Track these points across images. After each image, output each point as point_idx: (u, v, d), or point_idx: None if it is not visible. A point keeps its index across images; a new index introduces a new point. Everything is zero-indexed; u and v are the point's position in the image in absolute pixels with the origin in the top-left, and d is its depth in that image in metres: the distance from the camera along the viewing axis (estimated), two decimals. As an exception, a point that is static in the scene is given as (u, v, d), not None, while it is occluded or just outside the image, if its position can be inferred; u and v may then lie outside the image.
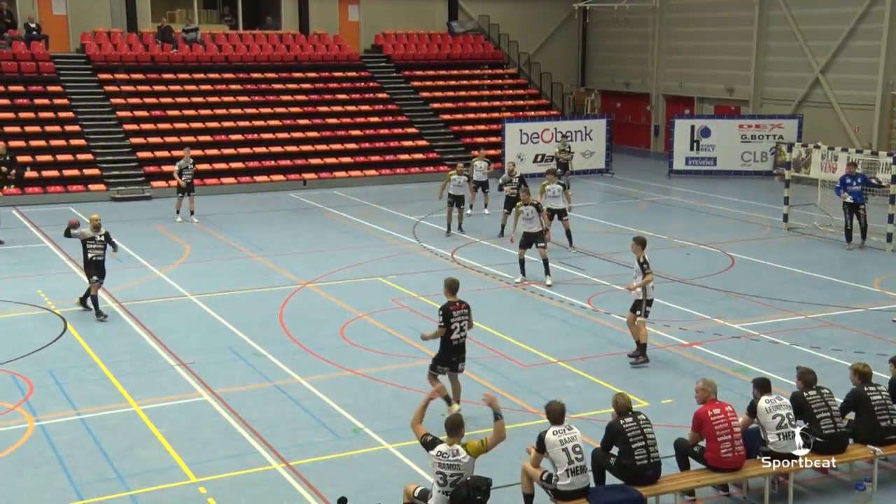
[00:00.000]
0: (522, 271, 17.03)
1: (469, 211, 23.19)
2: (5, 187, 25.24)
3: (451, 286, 10.87)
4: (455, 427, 8.08)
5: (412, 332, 14.30)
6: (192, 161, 23.21)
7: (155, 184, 26.92)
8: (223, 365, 12.92)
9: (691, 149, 30.43)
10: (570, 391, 11.79)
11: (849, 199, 19.77)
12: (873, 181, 20.69)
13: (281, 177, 28.42)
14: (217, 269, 18.31)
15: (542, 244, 16.74)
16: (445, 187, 21.47)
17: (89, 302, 15.01)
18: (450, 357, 10.85)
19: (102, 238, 14.93)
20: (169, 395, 11.84)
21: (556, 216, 19.29)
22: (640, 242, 12.90)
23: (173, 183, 23.28)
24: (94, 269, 14.81)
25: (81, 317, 15.05)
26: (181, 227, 22.37)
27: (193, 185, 23.01)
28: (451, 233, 21.16)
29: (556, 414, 8.53)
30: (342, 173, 29.18)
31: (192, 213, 22.93)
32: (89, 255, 14.81)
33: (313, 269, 18.23)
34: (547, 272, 16.80)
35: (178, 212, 22.91)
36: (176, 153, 28.07)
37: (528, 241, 16.80)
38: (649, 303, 12.68)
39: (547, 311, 15.53)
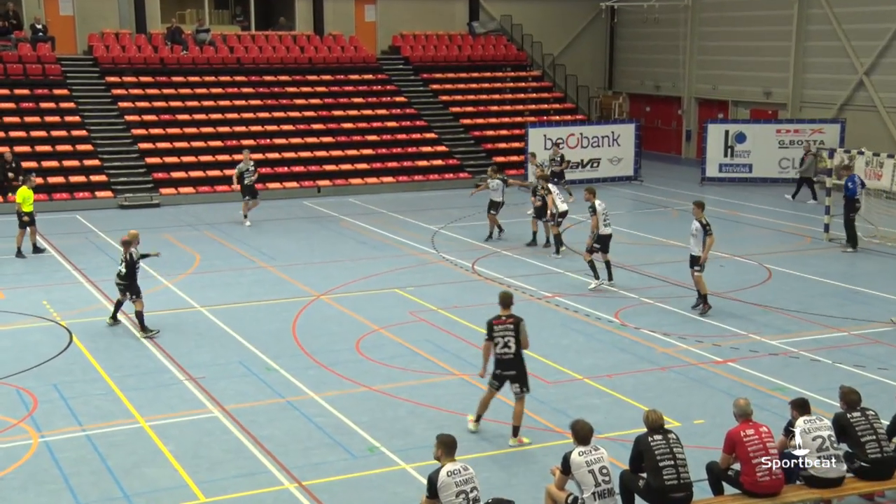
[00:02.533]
0: (595, 274, 17.57)
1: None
2: (10, 194, 25.55)
3: (502, 299, 11.03)
4: (453, 445, 8.09)
5: (431, 347, 14.32)
6: (252, 163, 23.69)
7: (164, 191, 27.14)
8: (233, 380, 12.98)
9: (725, 155, 30.31)
10: (596, 410, 11.76)
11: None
12: None
13: (294, 184, 28.56)
14: (228, 280, 18.42)
15: (587, 248, 17.52)
16: (481, 188, 22.49)
17: (129, 316, 15.28)
18: (494, 370, 10.89)
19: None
20: (177, 410, 11.91)
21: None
22: (700, 205, 15.60)
23: (236, 187, 24.02)
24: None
25: (87, 329, 15.18)
26: (191, 236, 22.53)
27: (255, 188, 23.58)
28: (491, 238, 21.68)
29: (582, 434, 8.52)
30: (358, 180, 29.29)
31: (244, 216, 23.52)
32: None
33: (328, 279, 18.30)
34: (596, 276, 17.48)
35: (245, 216, 23.56)
36: (186, 159, 28.36)
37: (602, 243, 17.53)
38: (704, 259, 15.48)
39: (572, 326, 15.50)
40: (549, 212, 20.09)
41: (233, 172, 24.07)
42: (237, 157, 28.57)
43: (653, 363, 13.69)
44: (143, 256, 15.29)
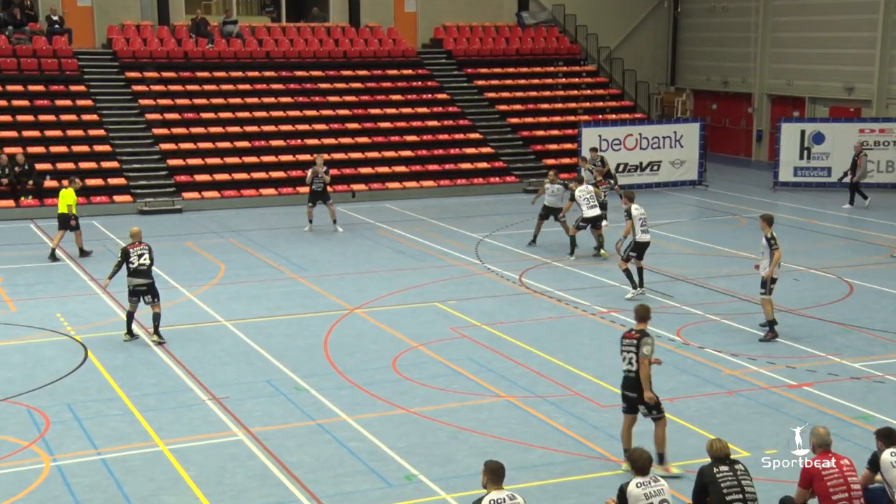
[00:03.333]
0: (632, 283, 17.73)
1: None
2: (23, 198, 26.03)
3: (639, 312, 11.09)
4: (500, 473, 8.06)
5: (474, 366, 14.30)
6: (324, 168, 24.13)
7: (186, 195, 27.46)
8: (260, 400, 13.07)
9: (801, 157, 29.96)
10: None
11: None
12: None
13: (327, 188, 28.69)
14: (255, 292, 18.57)
15: (622, 255, 17.87)
16: (540, 195, 22.39)
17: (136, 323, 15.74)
18: (621, 389, 11.01)
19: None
20: (199, 433, 12.01)
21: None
22: (767, 220, 15.27)
23: (304, 189, 24.69)
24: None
25: (104, 344, 15.39)
26: (215, 244, 22.76)
27: (327, 192, 24.00)
28: (534, 244, 21.91)
29: (640, 463, 8.44)
30: (396, 184, 29.40)
31: (334, 221, 23.97)
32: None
33: (362, 292, 18.38)
34: (633, 284, 17.69)
35: (310, 221, 23.99)
36: (210, 161, 28.67)
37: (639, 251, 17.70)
38: (773, 281, 15.11)
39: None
40: (562, 212, 21.14)
41: (305, 174, 24.56)
42: (267, 158, 28.88)
43: (719, 386, 13.53)
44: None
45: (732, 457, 8.74)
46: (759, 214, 15.69)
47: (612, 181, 24.82)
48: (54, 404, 12.89)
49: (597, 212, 20.65)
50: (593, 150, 27.77)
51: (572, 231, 20.85)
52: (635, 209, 17.61)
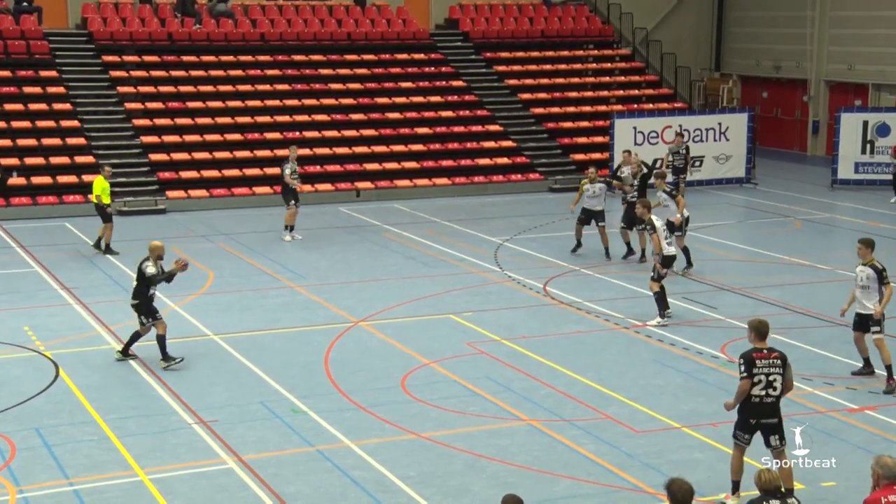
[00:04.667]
0: (663, 306, 17.24)
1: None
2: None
3: (759, 329, 10.94)
4: None
5: (493, 386, 14.30)
6: (296, 162, 24.23)
7: (171, 194, 27.57)
8: (253, 424, 13.09)
9: (863, 152, 29.85)
10: (698, 466, 11.63)
11: None
12: None
13: (329, 186, 28.82)
14: (248, 303, 18.62)
15: (652, 276, 17.02)
16: (579, 200, 21.76)
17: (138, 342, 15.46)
18: (747, 418, 10.80)
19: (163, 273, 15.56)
20: (184, 461, 12.03)
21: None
22: (869, 245, 14.23)
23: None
24: (153, 305, 15.34)
25: (77, 361, 15.45)
26: (204, 249, 22.83)
27: (297, 193, 23.94)
28: (578, 250, 21.70)
29: (680, 496, 8.40)
30: (405, 182, 29.44)
31: (290, 228, 23.81)
32: (150, 293, 15.24)
33: (368, 303, 18.40)
34: (659, 310, 16.98)
35: (288, 228, 23.82)
36: (198, 156, 28.77)
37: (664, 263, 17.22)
38: (883, 316, 14.03)
39: (668, 362, 15.35)
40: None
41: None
42: (261, 153, 28.95)
43: (770, 410, 13.49)
44: (166, 275, 15.39)
45: (784, 489, 8.69)
46: (857, 238, 14.63)
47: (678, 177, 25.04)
48: (21, 429, 12.93)
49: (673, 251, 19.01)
50: (679, 134, 27.89)
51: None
52: (656, 220, 17.29)
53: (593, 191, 21.38)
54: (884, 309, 14.08)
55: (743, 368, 10.69)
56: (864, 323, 14.20)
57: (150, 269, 15.16)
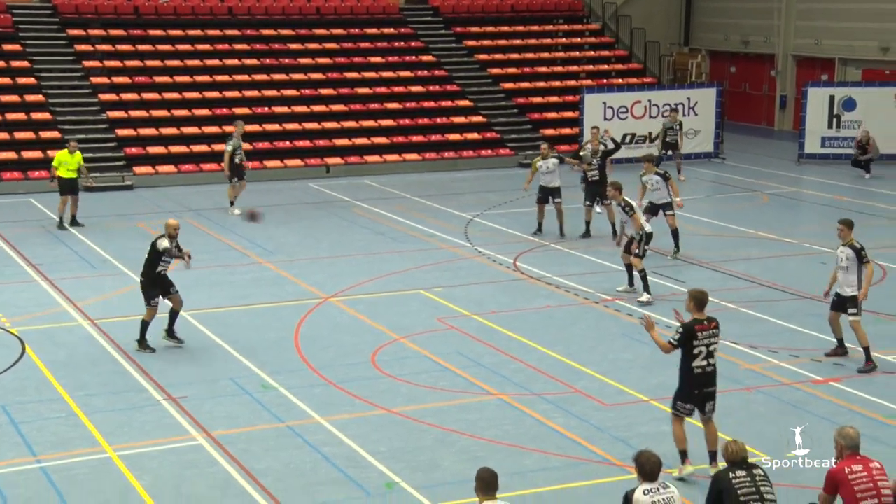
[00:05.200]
0: (630, 280, 17.27)
1: (598, 209, 21.69)
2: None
3: (700, 299, 11.05)
4: (491, 482, 8.09)
5: (463, 361, 14.34)
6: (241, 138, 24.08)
7: (138, 170, 27.38)
8: (222, 400, 13.07)
9: (830, 126, 30.02)
10: (666, 438, 11.69)
11: None
12: None
13: (298, 162, 28.70)
14: (216, 279, 18.54)
15: (636, 253, 16.91)
16: (532, 179, 21.52)
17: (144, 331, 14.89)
18: (691, 390, 10.96)
19: (176, 251, 15.00)
20: (153, 438, 12.00)
21: (659, 211, 19.39)
22: (850, 225, 14.07)
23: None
24: (156, 289, 14.79)
25: (44, 338, 15.35)
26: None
27: (244, 168, 23.81)
28: (540, 232, 21.36)
29: (648, 468, 8.46)
30: (375, 158, 29.37)
31: (232, 202, 23.69)
32: (158, 269, 14.79)
33: (338, 278, 18.38)
34: (645, 288, 16.86)
35: (231, 203, 23.69)
36: (166, 131, 28.57)
37: (630, 242, 17.11)
38: (864, 296, 13.89)
39: (637, 336, 15.42)
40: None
41: (223, 148, 24.11)
42: (230, 128, 28.75)
43: (736, 382, 13.59)
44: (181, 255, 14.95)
45: (751, 461, 8.78)
46: (837, 219, 14.50)
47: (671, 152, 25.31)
48: (-11, 406, 12.87)
49: (661, 197, 19.34)
50: (674, 110, 27.97)
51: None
52: (629, 199, 17.18)
53: (547, 167, 20.95)
54: (867, 290, 13.93)
55: (679, 338, 10.82)
56: (842, 304, 14.05)
57: (164, 242, 14.72)
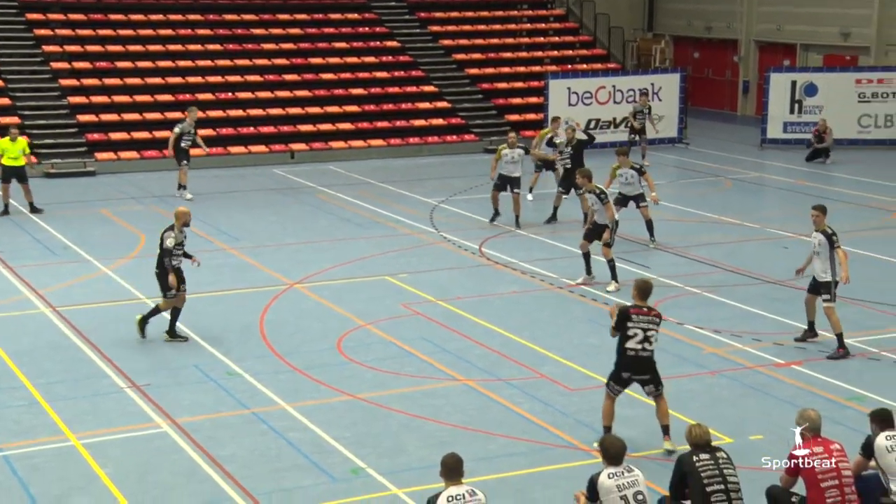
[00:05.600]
0: (587, 268, 17.09)
1: (530, 196, 23.08)
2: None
3: (642, 289, 11.26)
4: (455, 468, 8.14)
5: (428, 347, 14.35)
6: (195, 124, 23.90)
7: (100, 156, 27.15)
8: (187, 387, 13.01)
9: (792, 111, 30.27)
10: (630, 423, 11.79)
11: None
12: None
13: (262, 148, 28.56)
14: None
15: (606, 241, 16.73)
16: (496, 166, 21.07)
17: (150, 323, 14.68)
18: (620, 372, 11.14)
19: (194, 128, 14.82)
20: (117, 425, 11.93)
21: (632, 203, 19.25)
22: (823, 211, 14.08)
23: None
24: (178, 278, 14.52)
25: (4, 326, 15.20)
26: (134, 211, 22.54)
27: (189, 153, 23.72)
28: (496, 221, 21.04)
29: (612, 452, 8.53)
30: (340, 143, 29.28)
31: (183, 187, 23.57)
32: (174, 263, 14.47)
33: (303, 265, 18.33)
34: (613, 276, 16.80)
35: (182, 186, 23.58)
36: (128, 117, 28.32)
37: (597, 231, 16.88)
38: (836, 284, 13.93)
39: (602, 321, 15.45)
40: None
41: (169, 134, 23.94)
42: (214, 113, 28.55)
43: (699, 366, 13.70)
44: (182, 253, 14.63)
45: (714, 444, 8.86)
46: (812, 204, 14.43)
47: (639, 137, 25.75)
48: (-50, 394, 12.74)
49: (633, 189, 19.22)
50: (643, 94, 28.14)
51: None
52: (597, 187, 16.93)
53: (512, 156, 20.63)
54: (847, 273, 13.86)
55: (615, 321, 11.03)
56: (817, 288, 14.10)
57: (169, 241, 14.35)
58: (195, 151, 24.26)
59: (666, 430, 11.15)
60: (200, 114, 28.46)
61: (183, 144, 23.49)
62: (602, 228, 16.83)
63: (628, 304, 11.25)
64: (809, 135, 28.85)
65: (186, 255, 14.85)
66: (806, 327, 14.54)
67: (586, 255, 17.08)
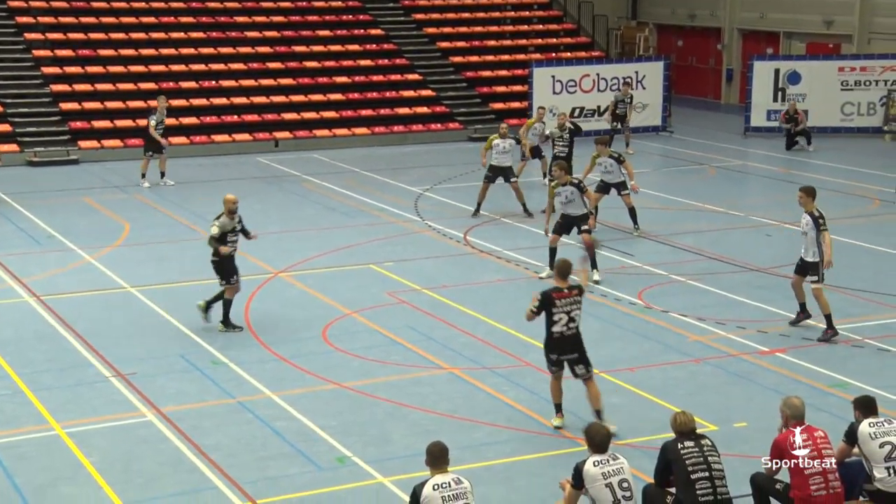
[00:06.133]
0: (551, 263, 16.88)
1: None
2: None
3: (560, 269, 11.48)
4: (441, 456, 8.17)
5: (414, 335, 14.36)
6: (165, 113, 23.87)
7: (83, 144, 27.03)
8: (172, 376, 12.99)
9: (775, 99, 30.33)
10: (616, 410, 11.83)
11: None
12: None
13: (246, 136, 28.48)
14: (164, 254, 18.38)
15: (587, 229, 16.50)
16: (486, 154, 20.94)
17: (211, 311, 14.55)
18: (549, 353, 11.35)
19: (239, 226, 14.49)
20: (102, 414, 11.90)
21: (613, 190, 19.15)
22: (810, 193, 14.12)
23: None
24: (232, 265, 14.36)
25: (-10, 314, 15.16)
26: (118, 200, 22.45)
27: (161, 142, 23.66)
28: (478, 213, 20.77)
29: (597, 440, 8.56)
30: (324, 132, 29.22)
31: (162, 174, 23.59)
32: (230, 250, 14.27)
33: (288, 253, 18.30)
34: (594, 265, 16.69)
35: (143, 175, 23.54)
36: (111, 105, 28.19)
37: (567, 224, 16.64)
38: (828, 262, 13.99)
39: (586, 309, 15.40)
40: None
41: (146, 123, 23.95)
42: (177, 103, 28.45)
43: (684, 354, 13.74)
44: (230, 231, 14.36)
45: (699, 431, 8.90)
46: (799, 186, 14.52)
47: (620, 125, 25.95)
48: (-66, 384, 12.69)
49: (614, 178, 19.05)
50: (626, 83, 28.15)
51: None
52: (574, 179, 16.71)
53: (503, 146, 20.56)
54: (831, 257, 13.95)
55: (538, 305, 11.18)
56: (805, 269, 14.17)
57: (213, 229, 14.16)
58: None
59: (598, 414, 11.19)
60: (184, 102, 28.51)
61: (159, 130, 23.50)
62: (573, 221, 16.60)
63: (549, 288, 11.32)
64: (779, 122, 28.87)
65: (245, 234, 14.61)
66: (798, 310, 14.57)
67: (553, 251, 16.55)
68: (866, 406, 9.30)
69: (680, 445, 8.71)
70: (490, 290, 16.43)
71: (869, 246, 18.82)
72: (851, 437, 9.25)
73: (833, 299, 15.67)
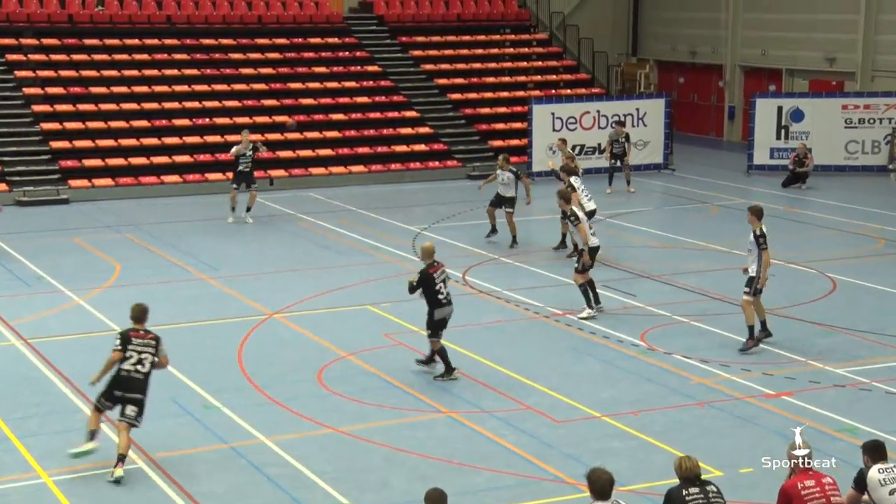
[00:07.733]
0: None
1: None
2: None
3: (137, 314, 11.96)
4: (440, 501, 8.13)
5: (411, 378, 14.30)
6: (251, 146, 24.07)
7: (74, 183, 27.03)
8: (162, 421, 12.90)
9: (778, 137, 30.41)
10: (618, 455, 11.76)
11: None
12: None
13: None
14: (156, 295, 18.22)
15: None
16: (489, 182, 22.59)
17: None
18: (113, 390, 11.63)
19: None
20: (89, 461, 11.80)
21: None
22: (756, 212, 15.23)
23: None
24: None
25: (-23, 357, 15.09)
26: (109, 240, 22.44)
27: (253, 175, 24.03)
28: (492, 235, 21.87)
29: (599, 485, 8.48)
30: (320, 170, 29.26)
31: (248, 209, 23.95)
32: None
33: (283, 294, 18.26)
34: (588, 303, 16.79)
35: (232, 209, 23.91)
36: (102, 143, 28.26)
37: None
38: (762, 283, 14.98)
39: (588, 350, 15.49)
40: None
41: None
42: (170, 140, 28.55)
43: (688, 397, 13.69)
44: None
45: (704, 477, 8.83)
46: (747, 206, 15.32)
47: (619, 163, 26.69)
48: (-83, 429, 12.62)
49: (593, 205, 20.09)
50: (620, 122, 28.27)
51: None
52: (578, 210, 17.35)
53: (503, 178, 21.47)
54: (765, 275, 14.99)
55: (118, 343, 11.61)
56: (749, 282, 15.18)
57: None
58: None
59: (122, 459, 11.30)
60: (177, 140, 28.60)
61: (240, 167, 23.72)
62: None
63: (129, 328, 11.72)
64: (787, 161, 28.97)
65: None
66: (759, 327, 15.30)
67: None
68: (875, 451, 9.24)
69: (685, 492, 8.64)
70: (490, 330, 16.39)
71: (875, 286, 18.79)
72: (861, 483, 9.18)
73: (838, 341, 15.71)
